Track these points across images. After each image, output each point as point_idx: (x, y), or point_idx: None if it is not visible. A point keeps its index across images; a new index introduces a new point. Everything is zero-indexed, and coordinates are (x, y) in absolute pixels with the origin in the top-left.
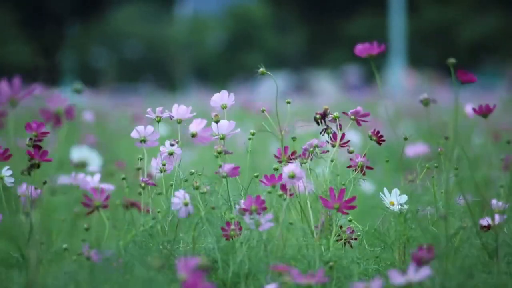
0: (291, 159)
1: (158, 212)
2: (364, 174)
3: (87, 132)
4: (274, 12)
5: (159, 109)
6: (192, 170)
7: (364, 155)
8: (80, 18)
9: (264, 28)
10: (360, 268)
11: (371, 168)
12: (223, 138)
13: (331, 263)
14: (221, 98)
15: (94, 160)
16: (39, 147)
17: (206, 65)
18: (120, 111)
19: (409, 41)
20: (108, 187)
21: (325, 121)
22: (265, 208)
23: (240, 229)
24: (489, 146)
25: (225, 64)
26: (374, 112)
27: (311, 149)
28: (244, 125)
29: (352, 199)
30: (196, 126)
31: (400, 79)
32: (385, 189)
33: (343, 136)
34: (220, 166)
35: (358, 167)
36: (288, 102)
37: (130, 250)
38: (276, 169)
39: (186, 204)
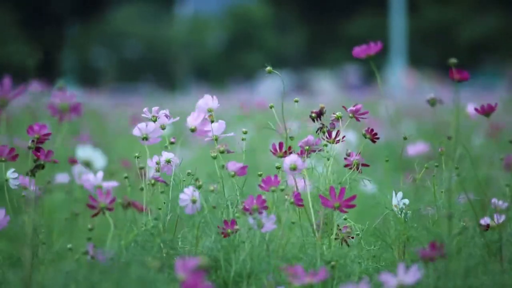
0: (287, 154)
1: (159, 209)
2: (360, 172)
3: (86, 132)
4: (274, 12)
5: (155, 108)
6: (189, 171)
7: (359, 153)
8: (80, 18)
9: (264, 28)
10: (361, 267)
11: (367, 165)
12: (216, 139)
13: (333, 263)
14: (206, 102)
15: (98, 159)
16: (42, 149)
17: (206, 65)
18: (120, 111)
19: (409, 41)
20: (111, 184)
21: (320, 120)
22: (266, 207)
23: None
24: (489, 146)
25: (225, 64)
26: (374, 112)
27: (307, 146)
28: (244, 125)
29: (352, 198)
30: (194, 120)
31: (400, 79)
32: (393, 192)
33: (338, 133)
34: (223, 166)
35: (354, 165)
36: (296, 101)
37: (131, 250)
38: (278, 168)
39: (194, 201)
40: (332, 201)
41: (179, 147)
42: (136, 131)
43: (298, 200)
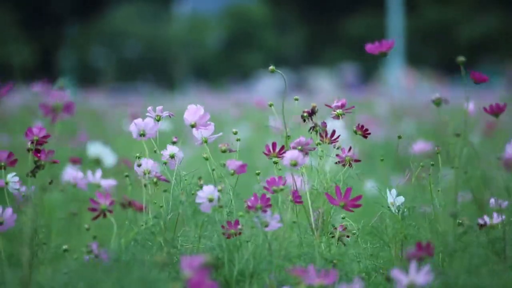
0: (280, 155)
1: (161, 207)
2: (352, 168)
3: (85, 131)
4: (273, 11)
5: (159, 108)
6: (184, 172)
7: (350, 148)
8: (79, 18)
9: (263, 27)
10: (360, 266)
11: (358, 161)
12: (206, 141)
13: (334, 261)
14: (194, 113)
15: (108, 156)
16: (42, 150)
17: (205, 64)
18: (119, 111)
19: (408, 40)
20: (110, 183)
21: (312, 119)
22: (270, 206)
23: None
24: (486, 144)
25: (224, 63)
26: (372, 111)
27: (299, 147)
28: (242, 125)
29: (358, 197)
30: (193, 115)
31: (399, 78)
32: (387, 190)
33: (333, 133)
34: (224, 165)
35: (346, 162)
36: (296, 99)
37: (131, 248)
38: (276, 163)
39: (210, 200)
40: (338, 200)
41: (179, 146)
42: (132, 127)
43: (297, 198)
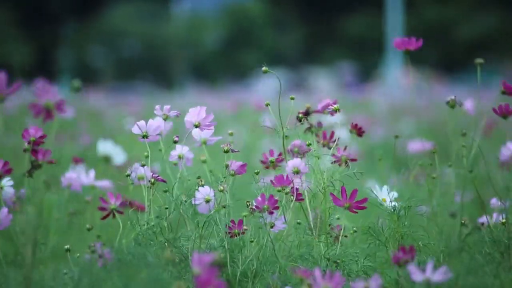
0: (278, 164)
1: (166, 208)
2: (347, 166)
3: (84, 130)
4: (272, 10)
5: (166, 107)
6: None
7: (345, 148)
8: (78, 17)
9: (261, 26)
10: (358, 266)
11: (354, 160)
12: (205, 143)
13: (338, 261)
14: (197, 114)
15: (118, 155)
16: (38, 150)
17: (203, 64)
18: (118, 110)
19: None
20: (104, 183)
21: (307, 120)
22: (277, 208)
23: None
24: (485, 144)
25: (223, 62)
26: (371, 110)
27: (295, 149)
28: (240, 125)
29: (364, 200)
30: (195, 115)
31: (398, 77)
32: (376, 186)
33: (332, 134)
34: (227, 166)
35: (342, 161)
36: (292, 98)
37: (132, 248)
38: (272, 161)
39: (207, 201)
40: (343, 201)
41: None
42: (135, 129)
43: (298, 195)
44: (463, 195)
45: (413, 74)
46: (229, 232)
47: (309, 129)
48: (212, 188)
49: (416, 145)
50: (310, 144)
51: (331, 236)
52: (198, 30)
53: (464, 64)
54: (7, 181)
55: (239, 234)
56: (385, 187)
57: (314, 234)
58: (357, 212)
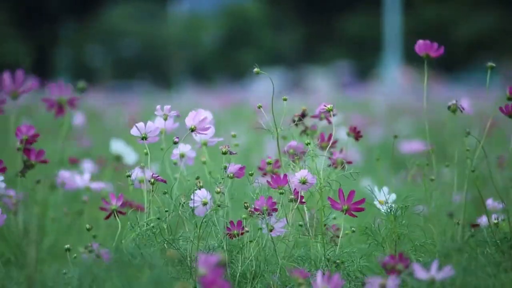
0: (275, 171)
1: (166, 211)
2: (344, 169)
3: (83, 130)
4: (270, 10)
5: (167, 107)
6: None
7: (341, 150)
8: (75, 16)
9: (259, 26)
10: (354, 266)
11: (350, 163)
12: (205, 144)
13: (337, 261)
14: (193, 118)
15: (130, 154)
16: (30, 150)
17: (202, 64)
18: (116, 110)
19: (405, 38)
20: (99, 185)
21: (303, 122)
22: (276, 209)
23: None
24: (484, 144)
25: (221, 62)
26: (369, 110)
27: (291, 150)
28: (239, 125)
29: (361, 201)
30: (193, 119)
31: (396, 77)
32: (375, 188)
33: (330, 136)
34: (226, 167)
35: (338, 163)
36: (285, 99)
37: (131, 249)
38: (269, 163)
39: (204, 204)
40: (340, 203)
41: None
42: (134, 131)
43: (300, 198)
44: (463, 195)
45: (411, 73)
46: (228, 234)
47: (304, 131)
48: (211, 190)
49: (413, 145)
50: (309, 143)
51: (327, 237)
52: (196, 30)
53: (463, 63)
54: (0, 181)
55: (238, 235)
56: (383, 188)
57: (310, 234)
58: (356, 216)
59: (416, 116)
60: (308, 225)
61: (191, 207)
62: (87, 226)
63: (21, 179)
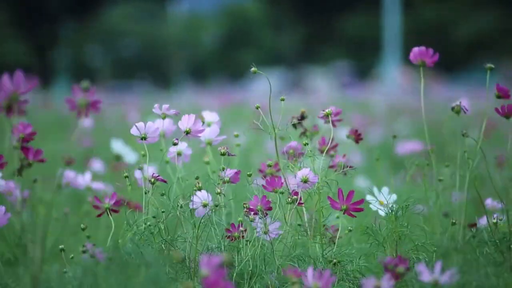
0: (275, 174)
1: (163, 212)
2: (345, 174)
3: (83, 131)
4: (269, 10)
5: (165, 106)
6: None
7: (344, 155)
8: (75, 16)
9: (259, 26)
10: (353, 266)
11: (351, 168)
12: (210, 143)
13: (335, 261)
14: (187, 121)
15: (130, 154)
16: (28, 148)
17: (202, 64)
18: (116, 110)
19: (405, 39)
20: (99, 186)
21: (302, 124)
22: (270, 208)
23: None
24: (483, 144)
25: (221, 62)
26: (369, 110)
27: (290, 151)
28: (239, 125)
29: (360, 201)
30: (186, 122)
31: (396, 77)
32: (375, 189)
33: (330, 139)
34: (224, 169)
35: (340, 167)
36: (282, 99)
37: (128, 249)
38: (269, 165)
39: (205, 205)
40: (339, 203)
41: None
42: (134, 131)
43: (296, 197)
44: (463, 195)
45: (410, 73)
46: (228, 236)
47: (304, 133)
48: (212, 190)
49: (412, 145)
50: (307, 144)
51: (325, 237)
52: (196, 30)
53: (463, 63)
54: None
55: (238, 238)
56: (383, 189)
57: (309, 234)
58: (355, 216)
59: (416, 116)
60: (306, 225)
61: (190, 208)
62: (82, 226)
63: (17, 178)
